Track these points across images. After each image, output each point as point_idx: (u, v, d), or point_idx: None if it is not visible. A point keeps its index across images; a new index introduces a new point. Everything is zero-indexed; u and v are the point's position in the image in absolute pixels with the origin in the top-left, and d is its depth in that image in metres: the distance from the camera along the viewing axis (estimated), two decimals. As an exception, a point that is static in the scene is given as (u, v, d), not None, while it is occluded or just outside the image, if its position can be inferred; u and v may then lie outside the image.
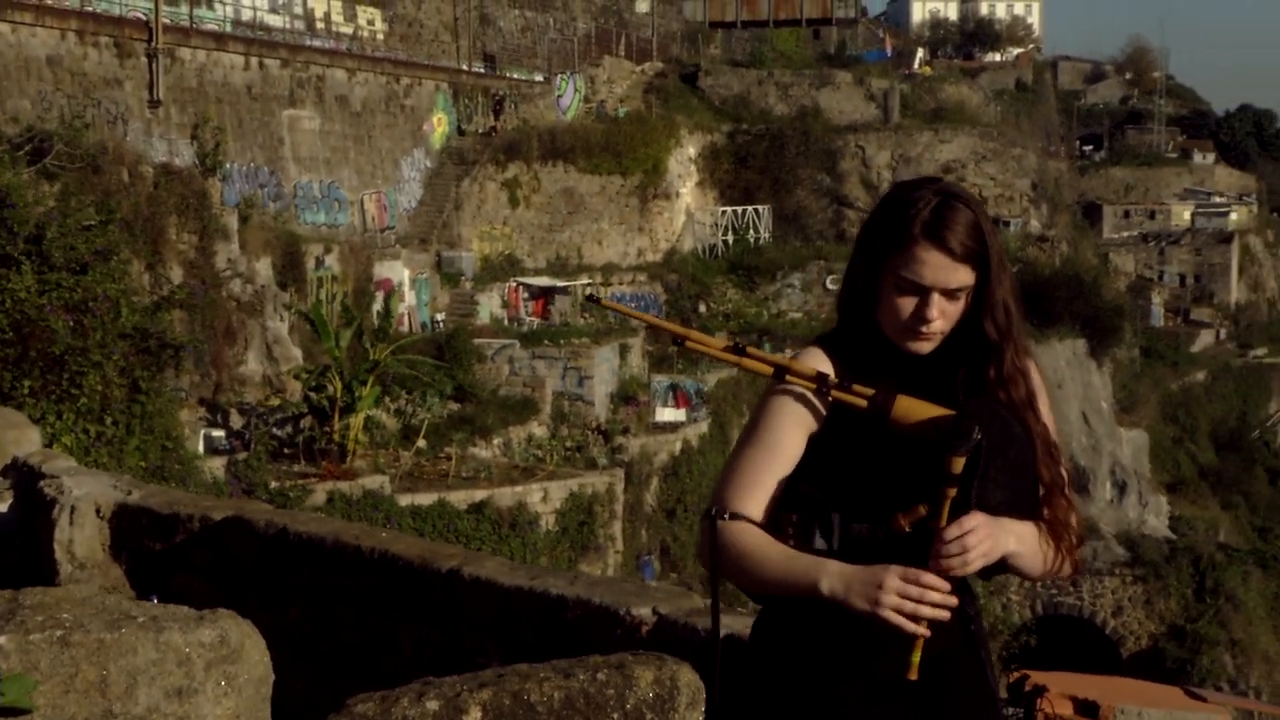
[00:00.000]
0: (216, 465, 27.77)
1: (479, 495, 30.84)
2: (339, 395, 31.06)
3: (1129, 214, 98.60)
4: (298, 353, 34.47)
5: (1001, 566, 3.07)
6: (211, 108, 38.76)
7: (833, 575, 2.98)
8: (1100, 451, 58.09)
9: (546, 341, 43.40)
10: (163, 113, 37.40)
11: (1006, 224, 64.97)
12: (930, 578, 2.92)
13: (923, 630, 2.92)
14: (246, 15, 44.43)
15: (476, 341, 40.38)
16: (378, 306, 37.76)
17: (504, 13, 60.59)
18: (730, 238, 58.46)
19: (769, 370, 3.18)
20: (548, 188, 52.12)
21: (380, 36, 51.57)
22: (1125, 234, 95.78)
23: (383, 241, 45.18)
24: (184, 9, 40.72)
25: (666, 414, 43.04)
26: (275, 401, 32.66)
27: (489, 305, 46.42)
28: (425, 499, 29.70)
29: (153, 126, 37.00)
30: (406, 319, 41.68)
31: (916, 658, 2.94)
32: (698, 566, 40.49)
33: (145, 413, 20.48)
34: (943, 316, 3.11)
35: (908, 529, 2.98)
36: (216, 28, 41.87)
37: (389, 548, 5.28)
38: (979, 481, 2.96)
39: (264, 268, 35.70)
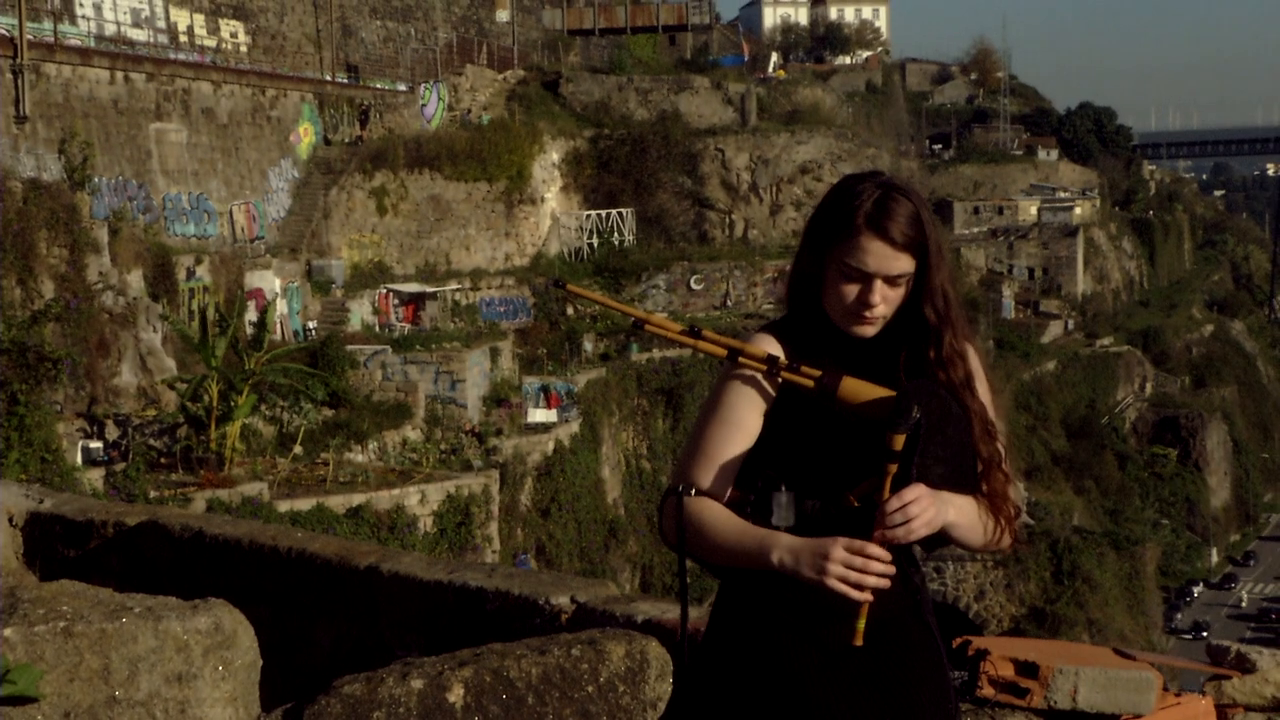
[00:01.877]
0: (95, 476, 27.40)
1: (357, 499, 30.75)
2: (215, 404, 30.78)
3: (979, 210, 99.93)
4: (172, 363, 34.12)
5: (944, 539, 3.23)
6: (78, 122, 38.23)
7: (783, 547, 3.11)
8: (957, 440, 58.83)
9: (418, 347, 43.30)
10: (29, 128, 36.84)
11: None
12: (873, 548, 3.04)
13: (867, 597, 3.05)
14: (110, 30, 43.84)
15: (349, 348, 40.13)
16: (250, 316, 37.43)
17: (365, 23, 60.29)
18: (595, 241, 58.63)
19: (723, 352, 3.33)
20: (415, 195, 51.95)
21: (244, 49, 51.11)
22: (975, 230, 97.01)
23: (253, 251, 44.77)
24: (47, 25, 40.10)
25: (538, 415, 43.15)
26: (151, 412, 32.29)
27: (360, 312, 46.19)
28: (304, 504, 29.54)
29: (19, 142, 36.42)
30: (279, 327, 41.34)
31: (862, 625, 3.08)
32: (574, 563, 40.63)
33: (24, 425, 20.28)
34: (885, 302, 3.24)
35: (856, 504, 3.12)
36: (80, 42, 41.26)
37: (306, 546, 5.26)
38: (920, 457, 3.09)
39: (135, 280, 35.30)
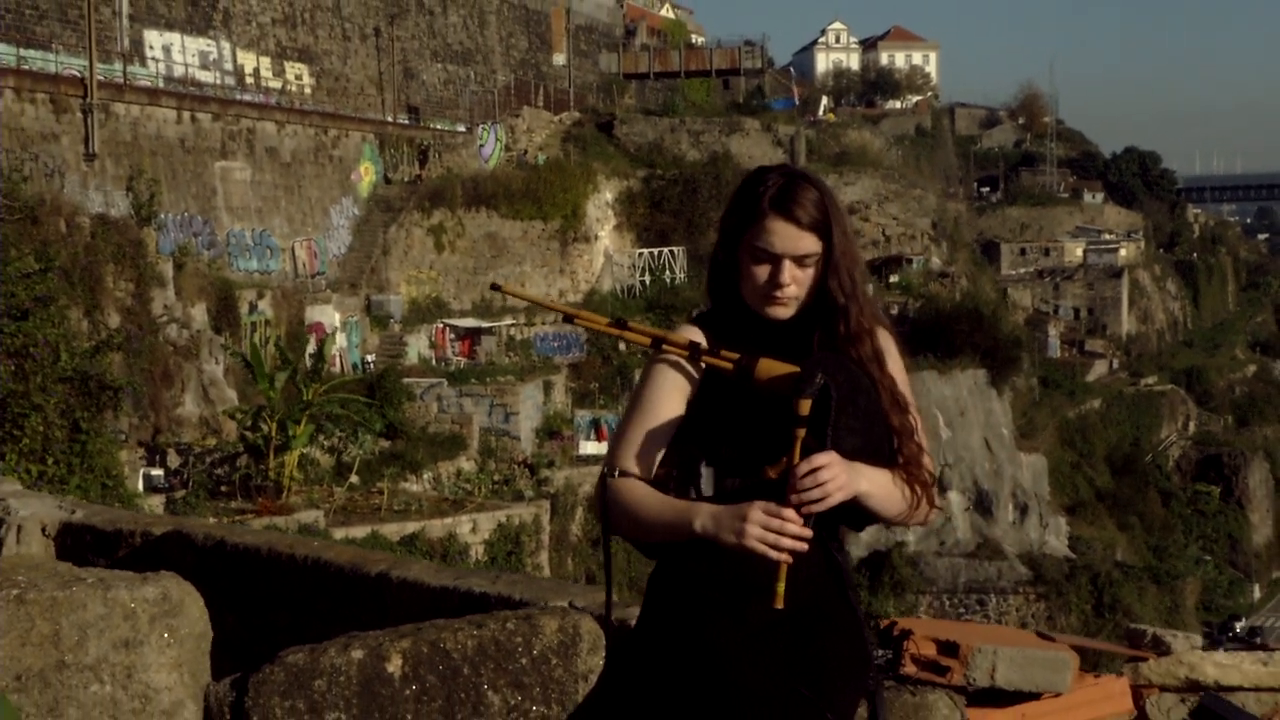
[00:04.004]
0: (156, 503, 27.53)
1: (411, 527, 30.76)
2: (274, 434, 30.92)
3: (1025, 251, 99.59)
4: (233, 394, 34.31)
5: (869, 517, 3.26)
6: (146, 160, 38.59)
7: (704, 514, 3.15)
8: (1002, 475, 58.56)
9: (473, 380, 43.40)
10: (98, 165, 37.22)
11: (909, 261, 65.61)
12: (788, 511, 3.06)
13: (784, 558, 3.07)
14: (179, 71, 44.30)
15: (406, 381, 40.29)
16: (310, 349, 37.62)
17: (427, 66, 60.69)
18: (647, 278, 58.63)
19: (648, 341, 3.40)
20: (472, 233, 52.12)
21: (308, 90, 51.53)
22: (1022, 270, 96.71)
23: (314, 286, 45.04)
24: (117, 66, 40.55)
25: (589, 447, 43.15)
26: (211, 441, 32.47)
27: (417, 346, 46.34)
28: (359, 532, 29.57)
29: (89, 179, 36.80)
30: (338, 360, 41.54)
31: (781, 587, 3.08)
32: (623, 593, 40.60)
33: (86, 452, 20.33)
34: (795, 282, 3.29)
35: (775, 478, 3.13)
36: (149, 83, 41.69)
37: (321, 555, 5.35)
38: (832, 429, 3.13)
39: (199, 313, 35.55)
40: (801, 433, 3.10)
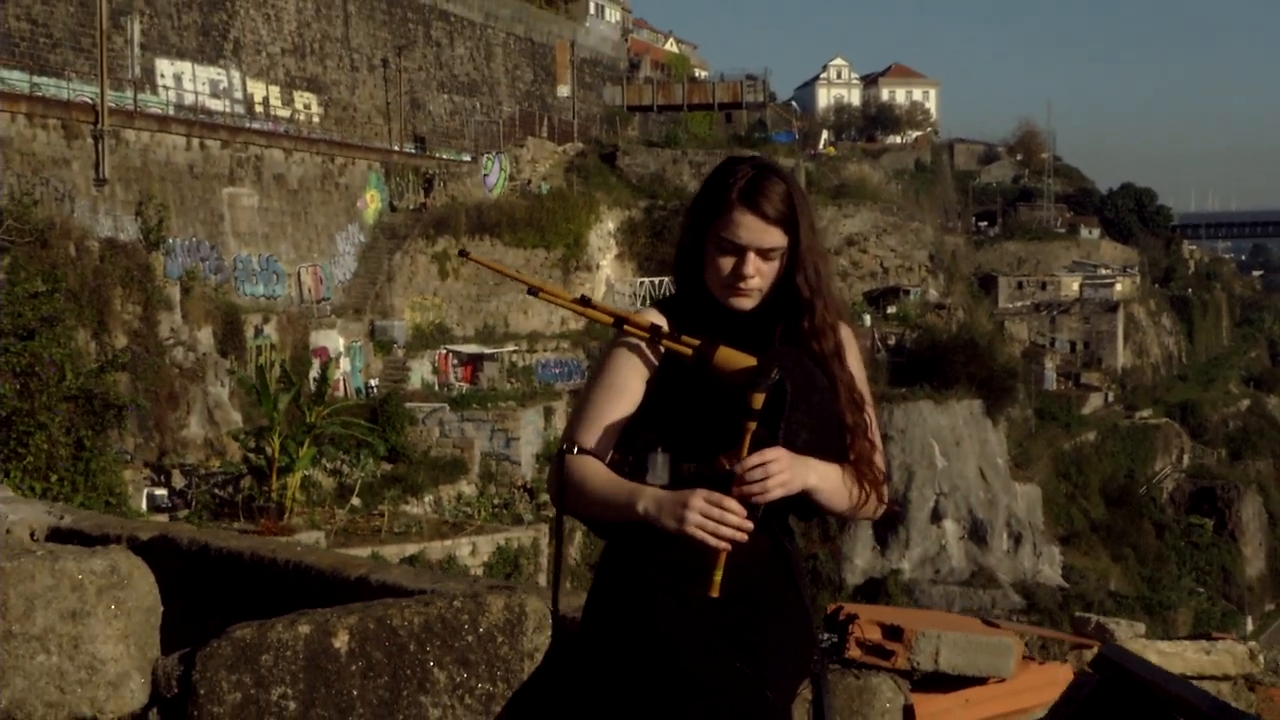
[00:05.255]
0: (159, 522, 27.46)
1: (411, 549, 30.71)
2: (277, 456, 30.90)
3: (1022, 285, 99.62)
4: (238, 417, 34.33)
5: (816, 509, 3.27)
6: (155, 186, 38.68)
7: (648, 498, 3.15)
8: (997, 505, 58.49)
9: (475, 405, 43.42)
10: (108, 190, 37.30)
11: (907, 292, 65.65)
12: (730, 501, 3.07)
13: (723, 546, 3.07)
14: (189, 99, 44.43)
15: (408, 405, 40.33)
16: (314, 373, 37.64)
17: (433, 97, 60.86)
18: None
19: (610, 320, 3.39)
20: (476, 260, 52.16)
21: (316, 119, 51.69)
22: (1019, 303, 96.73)
23: (319, 311, 45.07)
24: (129, 94, 40.68)
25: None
26: (216, 463, 32.45)
27: (420, 371, 46.40)
28: (360, 552, 29.40)
29: (99, 204, 36.87)
30: (342, 384, 41.57)
31: (718, 576, 3.09)
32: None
33: (90, 470, 20.31)
34: (759, 274, 3.28)
35: (729, 467, 3.13)
36: (160, 111, 41.81)
37: (303, 560, 5.33)
38: (785, 423, 3.14)
39: (205, 336, 35.60)
40: (753, 426, 3.11)
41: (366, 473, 34.20)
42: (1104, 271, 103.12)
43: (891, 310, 64.63)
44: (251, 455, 31.21)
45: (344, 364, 42.75)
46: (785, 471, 3.09)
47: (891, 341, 60.87)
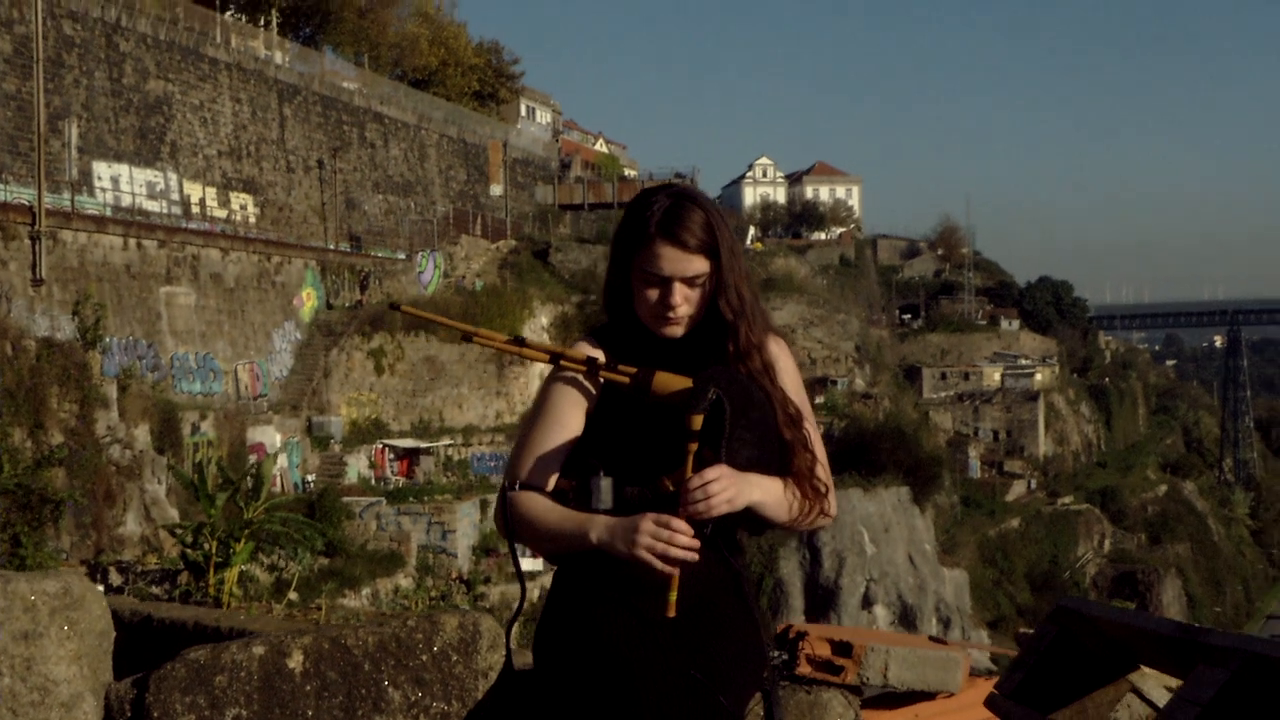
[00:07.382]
0: (96, 617, 27.05)
1: (349, 641, 30.39)
2: (214, 552, 30.46)
3: (945, 376, 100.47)
4: (175, 513, 33.87)
5: (763, 523, 3.27)
6: (92, 285, 38.34)
7: (599, 526, 3.15)
8: (925, 590, 58.56)
9: (411, 499, 43.20)
10: (45, 290, 36.98)
11: (834, 382, 66.03)
12: (677, 522, 3.06)
13: (672, 569, 3.06)
14: (126, 201, 44.23)
15: (345, 500, 40.08)
16: (251, 469, 37.26)
17: (368, 197, 60.94)
18: (582, 401, 58.64)
19: (546, 358, 3.38)
20: (411, 356, 52.09)
21: (253, 219, 51.57)
22: (943, 393, 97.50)
23: (256, 408, 44.76)
24: (66, 196, 40.47)
25: (526, 564, 42.71)
26: (152, 560, 31.95)
27: (357, 466, 46.12)
28: (297, 645, 29.18)
29: (35, 303, 36.54)
30: (279, 480, 41.17)
31: (673, 596, 3.08)
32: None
33: (25, 567, 19.95)
34: (686, 302, 3.29)
35: (672, 488, 3.14)
36: (97, 212, 41.59)
37: (246, 627, 5.30)
38: (727, 442, 3.14)
39: (142, 434, 35.18)
40: (694, 447, 3.11)
41: (304, 567, 33.75)
42: (1024, 362, 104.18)
43: (820, 400, 64.93)
44: (189, 551, 30.76)
45: (281, 460, 42.37)
46: (729, 489, 3.09)
47: (820, 430, 61.11)
